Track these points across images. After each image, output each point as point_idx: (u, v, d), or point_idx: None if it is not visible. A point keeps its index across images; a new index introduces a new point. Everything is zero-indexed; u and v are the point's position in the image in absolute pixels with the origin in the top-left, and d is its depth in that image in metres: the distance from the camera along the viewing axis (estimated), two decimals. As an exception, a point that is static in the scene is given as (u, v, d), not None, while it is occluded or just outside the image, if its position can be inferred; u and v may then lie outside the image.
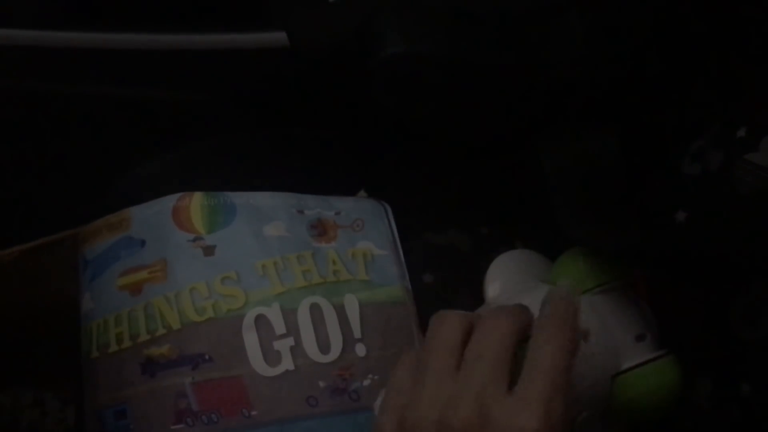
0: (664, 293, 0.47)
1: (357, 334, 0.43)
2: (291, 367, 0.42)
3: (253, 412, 0.41)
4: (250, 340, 0.42)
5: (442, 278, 0.45)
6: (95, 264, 0.45)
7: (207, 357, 0.41)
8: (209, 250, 0.44)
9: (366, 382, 0.43)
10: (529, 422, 0.31)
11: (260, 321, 0.42)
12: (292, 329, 0.43)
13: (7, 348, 0.69)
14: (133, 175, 0.50)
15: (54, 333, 0.69)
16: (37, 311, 0.69)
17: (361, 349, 0.43)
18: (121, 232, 0.44)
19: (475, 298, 0.48)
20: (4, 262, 0.64)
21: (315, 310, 0.43)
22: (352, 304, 0.44)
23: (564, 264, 0.46)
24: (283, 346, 0.42)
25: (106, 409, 0.42)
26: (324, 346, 0.43)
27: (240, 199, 0.45)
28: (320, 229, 0.46)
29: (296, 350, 0.42)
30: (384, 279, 0.45)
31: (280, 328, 0.43)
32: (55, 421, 0.67)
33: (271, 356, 0.42)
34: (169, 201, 0.45)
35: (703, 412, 0.45)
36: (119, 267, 0.44)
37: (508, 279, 0.47)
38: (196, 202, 0.45)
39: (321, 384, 0.42)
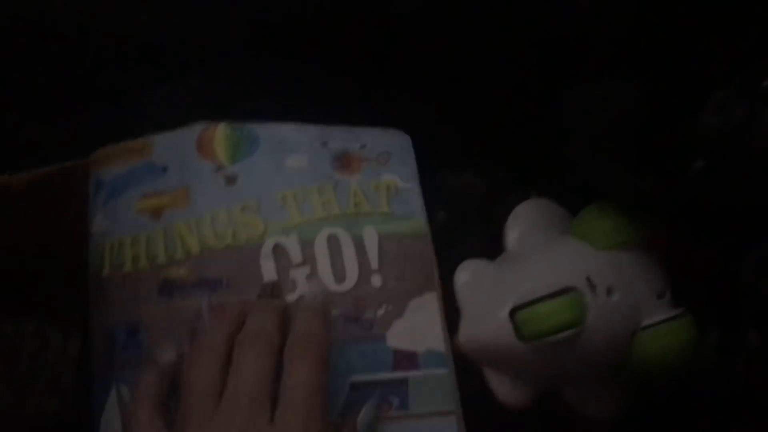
0: (679, 250, 0.47)
1: (374, 265, 0.44)
2: (306, 294, 0.43)
3: None
4: (267, 268, 0.43)
5: (455, 218, 0.45)
6: (111, 186, 0.45)
7: (224, 282, 0.42)
8: (231, 180, 0.44)
9: (380, 312, 0.43)
10: None
11: (278, 250, 0.43)
12: (309, 258, 0.43)
13: (11, 277, 0.69)
14: (150, 102, 0.50)
15: (60, 265, 0.69)
16: (43, 242, 0.69)
17: (377, 280, 0.44)
18: (142, 157, 0.45)
19: (488, 239, 0.48)
20: (12, 188, 0.64)
21: (332, 241, 0.44)
22: (371, 236, 0.44)
23: (587, 218, 0.46)
24: (299, 274, 0.43)
25: (118, 326, 0.42)
26: (339, 276, 0.43)
27: (263, 130, 0.46)
28: (344, 162, 0.46)
29: (311, 279, 0.43)
30: (406, 211, 0.45)
31: (296, 257, 0.43)
32: (57, 353, 0.67)
33: (286, 284, 0.43)
34: (194, 130, 0.45)
35: (709, 362, 0.46)
36: (138, 191, 0.45)
37: (528, 228, 0.47)
38: (220, 132, 0.45)
39: (334, 312, 0.43)
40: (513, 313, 0.43)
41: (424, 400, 0.42)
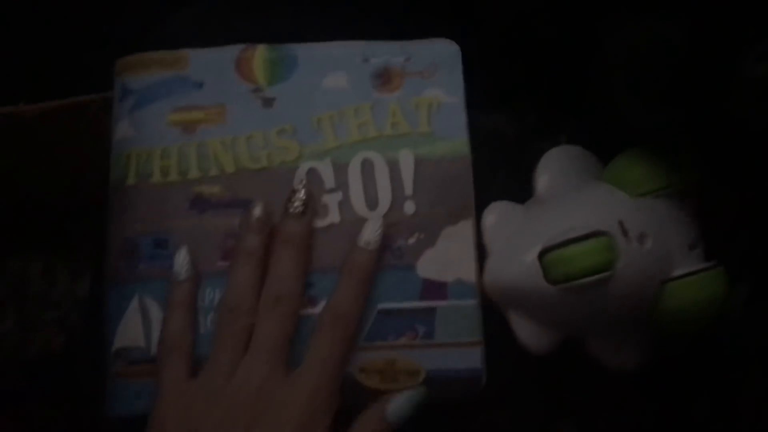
0: (713, 202, 0.46)
1: (408, 191, 0.43)
2: (337, 220, 0.43)
3: None
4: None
5: (484, 157, 0.44)
6: (140, 94, 0.45)
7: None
8: (268, 102, 0.44)
9: (411, 241, 0.43)
10: (294, 410, 0.37)
11: (311, 174, 0.43)
12: (342, 184, 0.43)
13: (18, 212, 0.68)
14: (185, 17, 0.49)
15: (70, 201, 0.68)
16: (52, 175, 0.68)
17: (410, 207, 0.43)
18: (176, 70, 0.45)
19: (515, 180, 0.47)
20: (26, 117, 0.63)
21: (367, 165, 0.43)
22: (407, 160, 0.43)
23: (621, 165, 0.46)
24: (332, 200, 0.43)
25: (144, 236, 0.42)
26: (372, 202, 0.43)
27: (302, 51, 0.45)
28: (384, 79, 0.45)
29: (344, 204, 0.43)
30: (448, 131, 0.44)
31: (330, 182, 0.43)
32: (64, 292, 0.66)
33: (319, 209, 0.43)
34: (233, 50, 0.45)
35: (736, 316, 0.45)
36: (171, 103, 0.44)
37: (558, 173, 0.46)
38: (260, 54, 0.45)
39: None
40: (542, 255, 0.42)
41: (450, 330, 0.42)
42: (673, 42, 0.40)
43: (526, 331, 0.44)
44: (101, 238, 0.44)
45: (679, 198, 0.45)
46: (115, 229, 0.43)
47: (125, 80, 0.45)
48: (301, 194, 0.41)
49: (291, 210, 0.41)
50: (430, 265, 0.42)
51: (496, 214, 0.45)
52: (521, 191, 0.47)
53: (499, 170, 0.48)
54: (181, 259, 0.41)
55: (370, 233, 0.41)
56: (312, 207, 0.42)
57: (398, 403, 0.39)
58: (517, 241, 0.43)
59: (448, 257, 0.43)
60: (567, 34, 0.47)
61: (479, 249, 0.43)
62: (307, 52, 0.45)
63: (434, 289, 0.42)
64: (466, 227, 0.43)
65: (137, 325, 0.42)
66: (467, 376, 0.42)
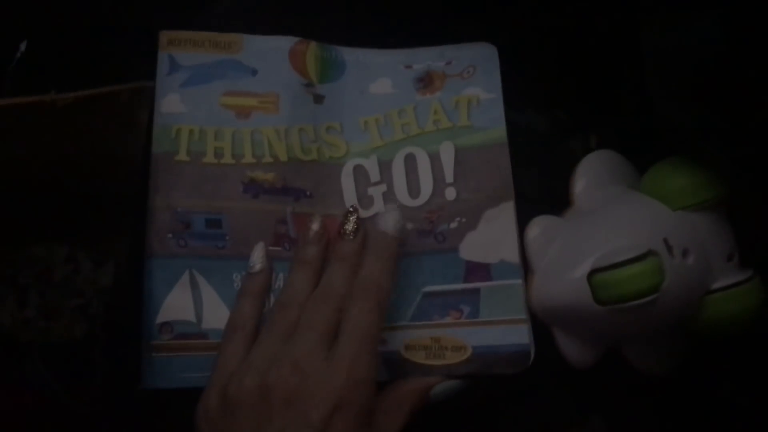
0: (747, 210, 0.45)
1: (449, 178, 0.45)
2: (381, 209, 0.44)
3: None
4: (347, 186, 0.45)
5: (515, 153, 0.45)
6: (192, 71, 0.45)
7: (308, 193, 0.44)
8: (319, 99, 0.46)
9: (453, 225, 0.44)
10: (335, 383, 0.37)
11: (358, 170, 0.45)
12: (386, 177, 0.45)
13: (44, 198, 0.68)
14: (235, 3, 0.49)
15: (95, 189, 0.68)
16: (81, 164, 0.68)
17: (450, 193, 0.45)
18: (229, 53, 0.46)
19: (544, 177, 0.47)
20: (57, 106, 0.63)
21: (409, 159, 0.45)
22: (447, 150, 0.45)
23: (660, 176, 0.45)
24: (377, 191, 0.45)
25: (195, 213, 0.43)
26: (414, 191, 0.45)
27: (350, 55, 0.47)
28: (426, 81, 0.47)
29: (388, 195, 0.45)
30: (486, 122, 0.45)
31: (375, 176, 0.45)
32: (87, 280, 0.66)
33: (364, 200, 0.45)
34: (287, 41, 0.46)
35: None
36: (223, 85, 0.45)
37: (595, 180, 0.46)
38: (312, 50, 0.47)
39: (408, 226, 0.44)
40: (590, 275, 0.42)
41: (495, 309, 0.43)
42: (711, 43, 0.40)
43: (572, 348, 0.44)
44: (139, 211, 0.44)
45: (718, 209, 0.44)
46: (162, 202, 0.44)
47: (174, 54, 0.46)
48: (354, 218, 0.43)
49: (345, 234, 0.42)
50: (472, 248, 0.44)
51: (538, 228, 0.44)
52: (552, 189, 0.47)
53: (530, 164, 0.48)
54: (258, 253, 0.43)
55: (386, 222, 0.42)
56: (362, 228, 0.43)
57: (448, 385, 0.41)
58: (563, 259, 0.43)
59: (490, 239, 0.43)
60: (602, 34, 0.47)
61: (520, 233, 0.44)
62: (354, 56, 0.47)
63: (478, 270, 0.43)
64: (507, 209, 0.44)
65: (187, 300, 0.43)
66: (515, 351, 0.42)
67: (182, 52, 0.46)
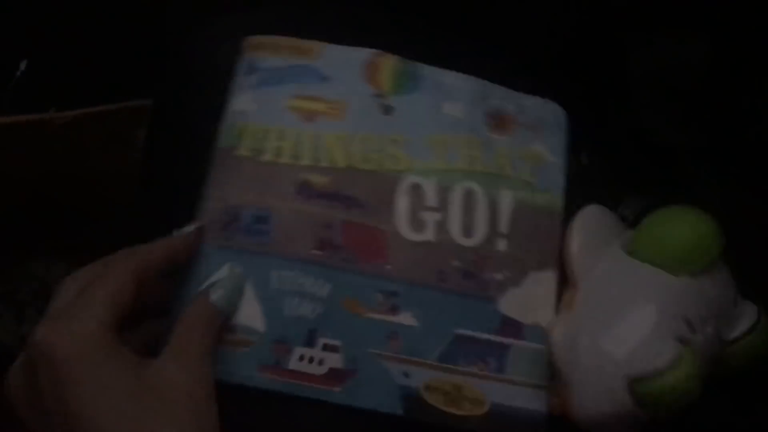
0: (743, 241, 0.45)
1: (503, 229, 0.44)
2: (432, 239, 0.43)
3: (387, 266, 0.43)
4: (402, 202, 0.44)
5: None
6: (268, 73, 0.46)
7: (361, 203, 0.43)
8: (388, 110, 0.46)
9: (498, 276, 0.43)
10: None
11: (415, 188, 0.44)
12: (443, 206, 0.44)
13: (42, 215, 0.69)
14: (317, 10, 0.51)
15: (92, 206, 0.69)
16: (79, 181, 0.69)
17: (502, 244, 0.44)
18: (306, 59, 0.46)
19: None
20: (56, 124, 0.64)
21: (469, 195, 0.44)
22: (507, 200, 0.45)
23: (656, 241, 0.43)
24: (431, 217, 0.44)
25: (246, 208, 0.43)
26: (468, 230, 0.44)
27: (428, 72, 0.47)
28: (498, 120, 0.46)
29: (441, 225, 0.44)
30: (547, 185, 0.46)
31: (431, 200, 0.44)
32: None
33: (416, 223, 0.44)
34: (365, 53, 0.47)
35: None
36: (295, 89, 0.45)
37: (589, 240, 0.45)
38: (389, 62, 0.47)
39: (455, 263, 0.43)
40: (631, 383, 0.40)
41: (520, 369, 0.42)
42: (697, 61, 0.41)
43: None
44: (127, 241, 0.44)
45: (721, 260, 0.43)
46: (216, 194, 0.43)
47: (253, 58, 0.47)
48: None
49: None
50: (512, 304, 0.43)
51: (560, 329, 0.43)
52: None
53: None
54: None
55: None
56: None
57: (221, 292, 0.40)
58: (596, 368, 0.41)
59: (531, 300, 0.44)
60: (590, 51, 0.48)
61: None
62: (432, 74, 0.47)
63: (512, 327, 0.43)
64: (550, 277, 0.44)
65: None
66: (530, 416, 0.42)
67: (262, 56, 0.47)
